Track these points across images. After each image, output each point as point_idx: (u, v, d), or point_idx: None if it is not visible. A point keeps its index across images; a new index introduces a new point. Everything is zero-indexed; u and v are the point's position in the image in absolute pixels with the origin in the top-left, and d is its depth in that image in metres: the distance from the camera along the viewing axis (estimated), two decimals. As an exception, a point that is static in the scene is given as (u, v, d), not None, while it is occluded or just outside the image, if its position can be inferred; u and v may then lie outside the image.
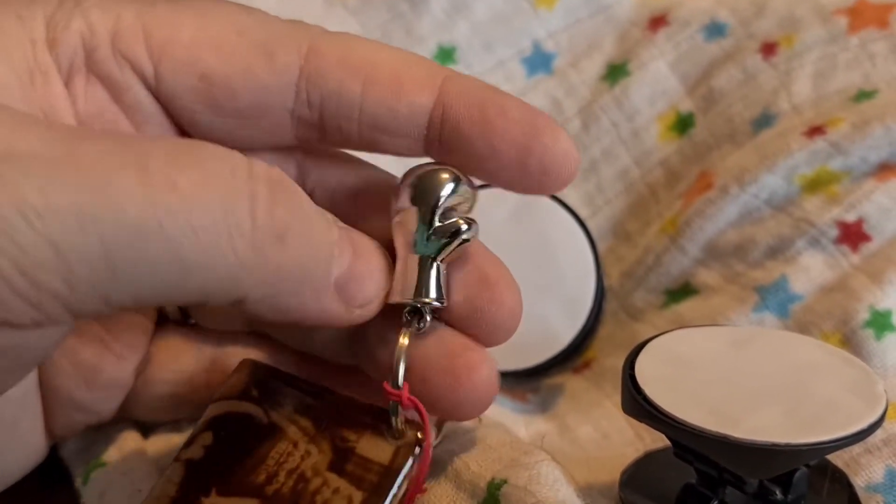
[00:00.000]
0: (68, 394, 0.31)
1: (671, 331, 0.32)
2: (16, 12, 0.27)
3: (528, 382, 0.42)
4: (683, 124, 0.47)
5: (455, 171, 0.29)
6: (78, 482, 0.34)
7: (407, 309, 0.28)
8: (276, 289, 0.25)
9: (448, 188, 0.28)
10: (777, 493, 0.29)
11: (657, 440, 0.35)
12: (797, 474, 0.29)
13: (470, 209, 0.29)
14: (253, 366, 0.31)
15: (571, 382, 0.42)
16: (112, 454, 0.34)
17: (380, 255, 0.28)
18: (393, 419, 0.28)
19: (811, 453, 0.26)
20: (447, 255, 0.28)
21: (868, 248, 0.39)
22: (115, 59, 0.28)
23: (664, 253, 0.43)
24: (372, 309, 0.28)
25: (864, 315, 0.36)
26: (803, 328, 0.37)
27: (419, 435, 0.28)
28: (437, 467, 0.32)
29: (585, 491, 0.32)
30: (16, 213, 0.21)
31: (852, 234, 0.39)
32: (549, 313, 0.40)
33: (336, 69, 0.28)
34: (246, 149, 0.29)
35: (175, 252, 0.23)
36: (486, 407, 0.29)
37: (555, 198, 0.41)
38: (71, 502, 0.33)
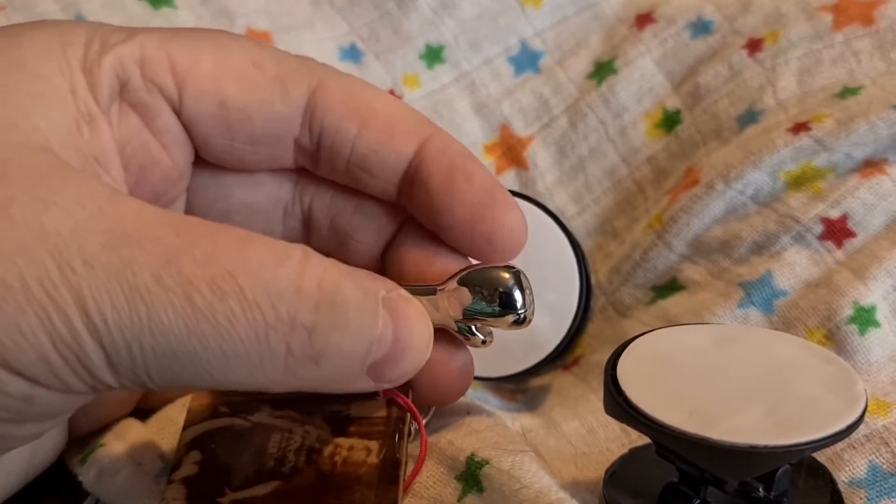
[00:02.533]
0: None
1: (654, 330, 0.32)
2: (56, 65, 0.28)
3: (516, 383, 0.42)
4: (670, 121, 0.47)
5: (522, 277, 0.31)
6: (75, 464, 0.34)
7: None
8: (305, 384, 0.27)
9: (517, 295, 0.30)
10: (759, 490, 0.29)
11: (643, 436, 0.35)
12: (780, 471, 0.29)
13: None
14: (211, 390, 0.31)
15: (559, 380, 0.42)
16: (110, 437, 0.34)
17: (422, 330, 0.28)
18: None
19: (790, 454, 0.27)
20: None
21: (852, 244, 0.39)
22: (146, 85, 0.29)
23: (651, 249, 0.43)
24: (404, 380, 0.29)
25: (847, 311, 0.37)
26: (788, 324, 0.38)
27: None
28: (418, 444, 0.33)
29: (571, 488, 0.33)
30: (78, 319, 0.23)
31: (837, 231, 0.39)
32: (535, 318, 0.40)
33: (338, 107, 0.31)
34: (250, 170, 0.32)
35: (207, 370, 0.25)
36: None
37: (538, 203, 0.41)
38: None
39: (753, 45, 0.45)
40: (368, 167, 0.32)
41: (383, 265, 0.34)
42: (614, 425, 0.38)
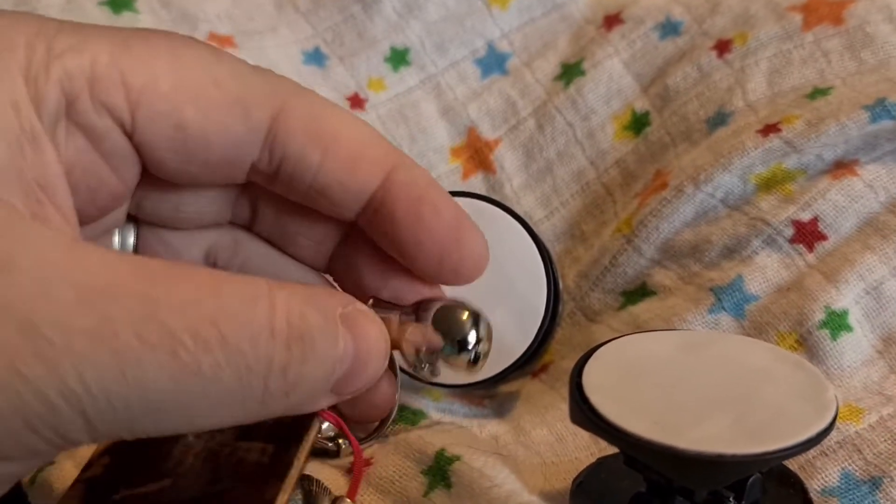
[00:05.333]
0: None
1: (620, 337, 0.31)
2: None
3: (483, 388, 0.41)
4: (639, 124, 0.46)
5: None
6: (25, 484, 0.34)
7: None
8: (274, 413, 0.27)
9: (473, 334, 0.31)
10: (730, 499, 0.29)
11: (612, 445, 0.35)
12: (750, 480, 0.29)
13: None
14: None
15: (528, 386, 0.42)
16: (60, 455, 0.34)
17: (379, 342, 0.28)
18: None
19: (758, 463, 0.26)
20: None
21: (824, 246, 0.38)
22: (95, 108, 0.27)
23: (620, 254, 0.42)
24: (362, 391, 0.29)
25: (819, 315, 0.36)
26: (759, 329, 0.37)
27: None
28: (389, 441, 0.33)
29: (539, 498, 0.32)
30: (57, 394, 0.22)
31: (808, 233, 0.38)
32: (502, 323, 0.39)
33: (301, 135, 0.30)
34: (198, 185, 0.31)
35: (190, 417, 0.25)
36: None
37: (505, 207, 0.40)
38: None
39: (722, 46, 0.45)
40: (330, 196, 0.31)
41: (330, 265, 0.34)
42: (583, 434, 0.37)
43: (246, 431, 0.30)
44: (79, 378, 0.22)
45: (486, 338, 0.31)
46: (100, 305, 0.23)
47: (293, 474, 0.29)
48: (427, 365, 0.31)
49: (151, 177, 0.30)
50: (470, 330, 0.30)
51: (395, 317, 0.31)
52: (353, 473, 0.32)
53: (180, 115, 0.28)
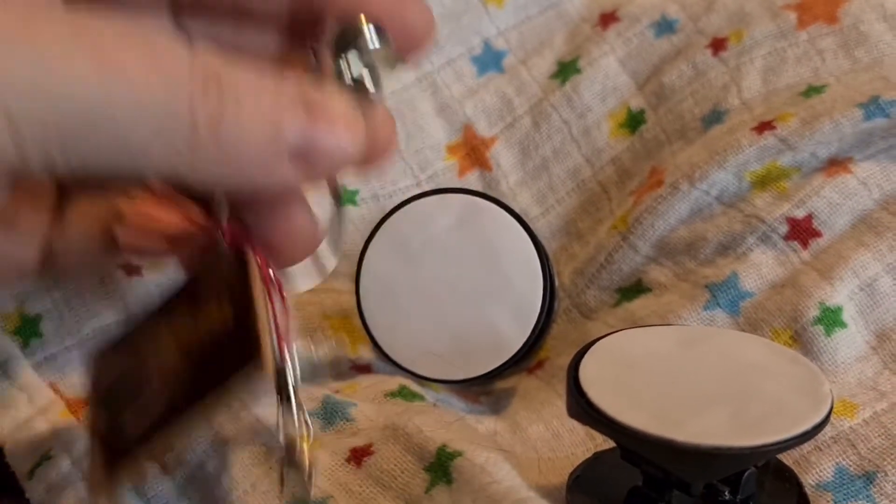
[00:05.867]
0: None
1: (617, 331, 0.31)
2: None
3: (480, 385, 0.42)
4: (634, 121, 0.47)
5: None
6: (23, 477, 0.34)
7: None
8: (221, 169, 0.25)
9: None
10: (726, 493, 0.29)
11: (608, 440, 0.35)
12: (746, 474, 0.29)
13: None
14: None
15: (524, 383, 0.42)
16: (57, 448, 0.34)
17: (347, 116, 0.26)
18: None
19: (754, 456, 0.26)
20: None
21: (818, 243, 0.38)
22: None
23: (616, 251, 0.42)
24: (343, 167, 0.27)
25: (814, 312, 0.36)
26: (754, 325, 0.37)
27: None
28: (388, 431, 0.32)
29: (535, 493, 0.32)
30: None
31: (802, 230, 0.39)
32: (499, 319, 0.40)
33: None
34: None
35: (120, 132, 0.23)
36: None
37: (500, 203, 0.40)
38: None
39: (717, 45, 0.45)
40: None
41: None
42: (579, 430, 0.37)
43: (193, 295, 0.29)
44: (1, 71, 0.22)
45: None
46: (25, 18, 0.23)
47: (261, 314, 0.27)
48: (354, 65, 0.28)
49: None
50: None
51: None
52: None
53: None
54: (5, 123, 0.22)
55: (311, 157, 0.26)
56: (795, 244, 0.39)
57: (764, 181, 0.40)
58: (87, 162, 0.24)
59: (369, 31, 0.28)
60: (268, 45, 0.32)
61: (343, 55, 0.28)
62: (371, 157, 0.29)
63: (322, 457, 0.34)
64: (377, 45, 0.28)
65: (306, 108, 0.26)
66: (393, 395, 0.38)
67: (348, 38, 0.28)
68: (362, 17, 0.28)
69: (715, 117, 0.43)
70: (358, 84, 0.28)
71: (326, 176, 0.27)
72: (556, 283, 0.43)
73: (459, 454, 0.30)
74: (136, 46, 0.24)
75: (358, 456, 0.34)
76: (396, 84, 0.49)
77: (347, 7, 0.29)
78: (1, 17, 0.22)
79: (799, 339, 0.36)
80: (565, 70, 0.48)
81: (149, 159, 0.24)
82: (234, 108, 0.25)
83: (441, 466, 0.30)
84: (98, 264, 0.34)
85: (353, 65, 0.28)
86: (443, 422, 0.32)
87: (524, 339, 0.40)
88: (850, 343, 0.36)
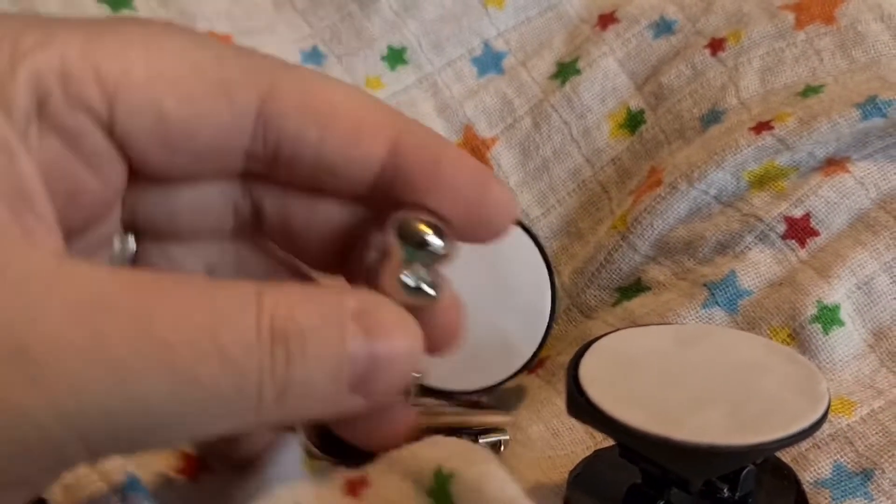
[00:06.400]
0: None
1: (617, 330, 0.32)
2: None
3: (489, 392, 0.42)
4: (634, 122, 0.47)
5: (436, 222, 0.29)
6: None
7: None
8: (283, 420, 0.26)
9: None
10: (724, 490, 0.29)
11: (607, 438, 0.35)
12: (744, 472, 0.29)
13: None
14: None
15: (524, 382, 0.42)
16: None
17: (406, 334, 0.27)
18: None
19: (752, 454, 0.27)
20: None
21: (815, 242, 0.39)
22: (69, 106, 0.25)
23: (615, 250, 0.43)
24: (399, 392, 0.27)
25: (811, 310, 0.37)
26: (752, 324, 0.38)
27: None
28: (381, 458, 0.32)
29: (535, 491, 0.32)
30: (54, 420, 0.22)
31: (799, 229, 0.39)
32: (509, 327, 0.40)
33: (295, 113, 0.28)
34: (194, 179, 0.29)
35: (188, 428, 0.24)
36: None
37: None
38: None
39: (716, 45, 0.45)
40: (336, 171, 0.28)
41: (348, 265, 0.32)
42: (579, 428, 0.37)
43: None
44: (75, 400, 0.22)
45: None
46: (91, 321, 0.22)
47: None
48: (417, 278, 0.28)
49: (141, 180, 0.28)
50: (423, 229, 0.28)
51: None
52: None
53: (160, 105, 0.26)
54: (82, 447, 0.22)
55: (370, 383, 0.26)
56: (793, 243, 0.39)
57: (762, 181, 0.40)
58: (153, 446, 0.24)
59: (433, 239, 0.28)
60: (339, 218, 0.31)
61: (407, 261, 0.28)
62: (435, 350, 0.30)
63: (317, 491, 0.33)
64: (440, 253, 0.28)
65: (366, 333, 0.26)
66: None
67: (413, 238, 0.28)
68: (422, 226, 0.28)
69: (713, 117, 0.44)
70: (418, 291, 0.28)
71: (388, 396, 0.27)
72: (557, 283, 0.43)
73: (455, 474, 0.29)
74: (206, 350, 0.23)
75: (354, 488, 0.33)
76: (397, 85, 0.50)
77: (425, 197, 0.29)
78: (67, 321, 0.22)
79: (797, 338, 0.37)
80: (565, 71, 0.48)
81: (208, 435, 0.25)
82: (301, 363, 0.25)
83: (442, 491, 0.30)
84: None
85: (414, 272, 0.28)
86: (433, 440, 0.31)
87: (536, 345, 0.40)
88: (847, 341, 0.37)
